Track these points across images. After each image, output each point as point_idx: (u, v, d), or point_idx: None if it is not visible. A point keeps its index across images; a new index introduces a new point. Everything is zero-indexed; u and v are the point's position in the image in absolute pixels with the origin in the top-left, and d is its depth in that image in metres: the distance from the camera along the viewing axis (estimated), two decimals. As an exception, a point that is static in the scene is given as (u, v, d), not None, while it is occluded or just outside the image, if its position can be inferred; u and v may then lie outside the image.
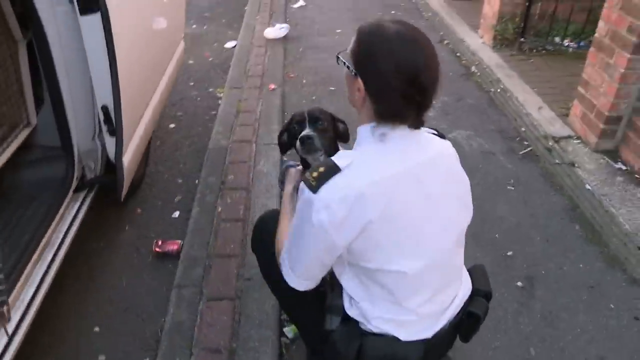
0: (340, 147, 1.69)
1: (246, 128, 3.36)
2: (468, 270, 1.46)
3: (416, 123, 1.18)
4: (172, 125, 3.44)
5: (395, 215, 1.16)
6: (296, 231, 1.24)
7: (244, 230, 2.49)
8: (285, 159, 1.79)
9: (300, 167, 1.68)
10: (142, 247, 2.47)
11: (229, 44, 4.86)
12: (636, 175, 3.01)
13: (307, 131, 1.57)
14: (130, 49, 2.09)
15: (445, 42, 5.17)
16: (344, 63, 1.21)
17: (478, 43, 5.03)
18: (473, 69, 4.58)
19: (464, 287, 1.39)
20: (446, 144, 1.32)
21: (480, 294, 1.40)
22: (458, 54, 4.88)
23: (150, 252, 2.43)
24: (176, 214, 2.68)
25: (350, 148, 1.27)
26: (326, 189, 1.13)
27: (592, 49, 3.28)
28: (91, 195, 2.25)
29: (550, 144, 3.34)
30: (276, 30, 4.96)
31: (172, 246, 2.43)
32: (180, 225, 2.61)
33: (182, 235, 2.52)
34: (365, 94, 1.16)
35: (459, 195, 1.30)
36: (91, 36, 1.83)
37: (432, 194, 1.21)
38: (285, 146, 1.74)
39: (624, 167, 3.10)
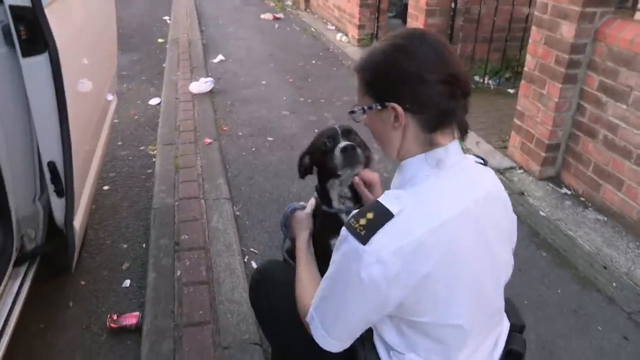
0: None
1: (190, 184, 3.15)
2: None
3: (463, 119, 1.07)
4: (106, 188, 3.14)
5: (456, 264, 1.02)
6: (335, 288, 1.05)
7: (210, 293, 2.25)
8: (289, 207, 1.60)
9: (307, 208, 1.52)
10: (92, 325, 2.15)
11: (153, 101, 4.64)
12: (581, 198, 3.14)
13: (346, 141, 1.42)
14: (77, 96, 1.86)
15: (371, 88, 5.26)
16: (363, 109, 1.08)
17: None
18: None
19: (504, 327, 1.27)
20: (494, 176, 1.19)
21: (515, 329, 1.30)
22: (386, 99, 4.96)
23: (104, 329, 2.12)
24: (127, 282, 2.39)
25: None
26: (378, 239, 0.96)
27: (523, 82, 3.45)
28: (33, 268, 1.93)
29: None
30: (201, 85, 4.84)
31: (130, 320, 2.13)
32: (133, 295, 2.32)
33: (139, 306, 2.24)
34: (405, 114, 1.02)
35: (510, 236, 1.19)
36: (36, 81, 1.59)
37: (489, 237, 1.08)
38: (306, 170, 1.58)
39: (569, 192, 3.23)
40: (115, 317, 2.14)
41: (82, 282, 2.37)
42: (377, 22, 6.63)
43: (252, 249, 2.64)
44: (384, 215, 0.97)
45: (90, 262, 2.50)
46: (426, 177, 1.04)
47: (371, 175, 1.48)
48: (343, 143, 1.41)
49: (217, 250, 2.54)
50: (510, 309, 1.34)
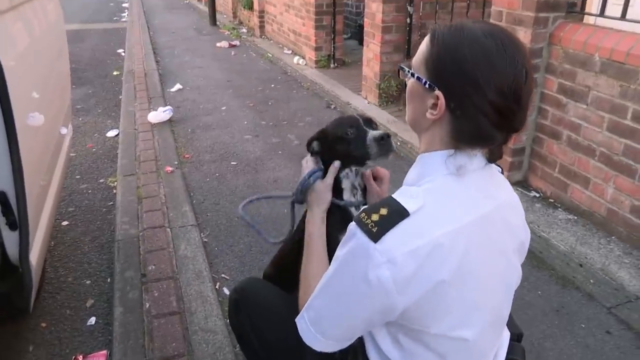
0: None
1: (154, 214, 3.04)
2: None
3: (499, 151, 0.99)
4: (65, 223, 2.99)
5: (472, 272, 0.94)
6: (337, 288, 0.96)
7: (182, 324, 2.14)
8: (307, 164, 1.43)
9: (328, 178, 1.37)
10: (56, 369, 2.00)
11: (111, 133, 4.51)
12: (550, 200, 3.18)
13: (377, 131, 1.34)
14: (27, 126, 1.75)
15: (333, 106, 5.31)
16: (412, 74, 0.98)
17: (364, 104, 5.24)
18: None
19: (505, 337, 1.21)
20: (510, 186, 1.12)
21: (514, 338, 1.24)
22: (348, 117, 4.97)
23: (70, 373, 1.97)
24: (92, 320, 2.25)
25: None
26: (391, 238, 0.87)
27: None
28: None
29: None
30: (159, 114, 4.75)
31: (98, 359, 2.00)
32: (100, 333, 2.18)
33: (106, 344, 2.10)
34: (445, 110, 0.94)
35: (524, 248, 1.13)
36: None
37: (506, 245, 1.03)
38: (315, 153, 1.45)
39: (537, 194, 3.26)
40: (80, 358, 2.01)
41: (43, 324, 2.21)
42: (334, 43, 6.71)
43: (223, 275, 2.54)
44: (399, 213, 0.89)
45: (50, 301, 2.35)
46: (444, 176, 0.96)
47: (382, 170, 1.43)
48: (376, 132, 1.33)
49: (186, 279, 2.44)
50: (509, 318, 1.29)
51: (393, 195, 0.94)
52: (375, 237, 0.88)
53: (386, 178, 1.43)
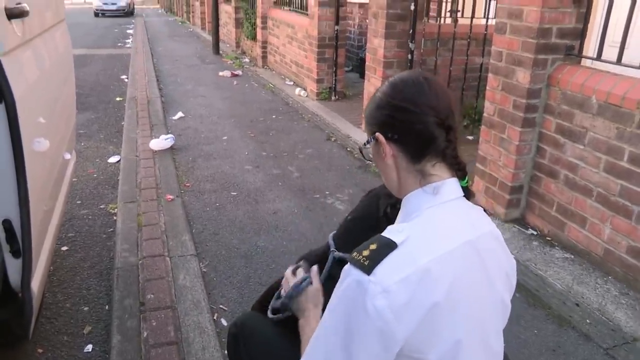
0: None
1: (154, 242, 3.07)
2: None
3: (456, 156, 1.08)
4: (65, 248, 3.02)
5: (460, 300, 0.98)
6: (337, 322, 0.97)
7: (179, 354, 2.15)
8: (295, 272, 1.43)
9: (315, 282, 1.38)
10: (52, 397, 2.01)
11: (113, 159, 4.57)
12: (547, 238, 3.21)
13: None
14: (34, 151, 1.80)
15: (333, 139, 5.38)
16: (364, 143, 1.12)
17: (364, 137, 5.28)
18: (367, 161, 4.73)
19: None
20: (490, 220, 1.17)
21: None
22: (349, 149, 5.08)
23: (65, 401, 1.98)
24: (89, 347, 2.26)
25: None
26: (382, 269, 0.93)
27: (483, 127, 3.57)
28: (-14, 338, 1.80)
29: (463, 219, 3.47)
30: (161, 142, 4.82)
31: (94, 388, 2.01)
32: (97, 362, 2.19)
33: (102, 373, 2.11)
34: (388, 143, 1.06)
35: (511, 280, 1.15)
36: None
37: (492, 275, 1.07)
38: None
39: (535, 232, 3.30)
40: (76, 386, 2.01)
41: (40, 350, 2.22)
42: (335, 75, 6.83)
43: (221, 306, 2.55)
44: (387, 246, 0.96)
45: (48, 327, 2.36)
46: (427, 208, 1.04)
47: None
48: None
49: (185, 309, 2.45)
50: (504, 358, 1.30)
51: (381, 233, 1.00)
52: (368, 269, 0.93)
53: None
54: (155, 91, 7.07)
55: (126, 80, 7.86)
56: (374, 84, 5.20)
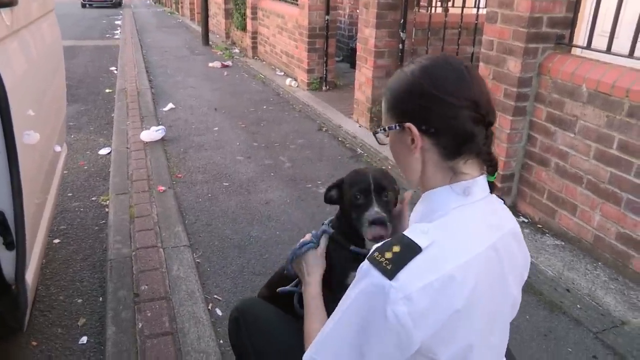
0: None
1: (147, 233, 3.06)
2: None
3: (490, 152, 1.03)
4: (57, 241, 3.00)
5: (478, 304, 0.96)
6: (351, 327, 0.95)
7: (175, 344, 2.16)
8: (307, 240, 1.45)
9: (320, 248, 1.42)
10: (47, 389, 2.01)
11: (103, 151, 4.55)
12: (539, 225, 3.25)
13: (377, 210, 1.33)
14: (25, 144, 1.79)
15: (324, 129, 5.38)
16: (384, 129, 1.06)
17: (355, 127, 5.31)
18: (359, 150, 4.77)
19: None
20: (512, 215, 1.15)
21: None
22: (340, 139, 5.08)
23: (61, 393, 1.98)
24: (83, 339, 2.26)
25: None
26: (405, 275, 0.89)
27: (474, 117, 3.58)
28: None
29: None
30: (152, 133, 4.79)
31: (90, 379, 2.01)
32: (92, 353, 2.18)
33: (98, 364, 2.11)
34: (421, 136, 0.99)
35: (523, 273, 1.14)
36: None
37: (507, 275, 1.04)
38: (333, 202, 1.50)
39: (526, 220, 3.33)
40: (72, 377, 2.01)
41: (34, 342, 2.22)
42: (326, 65, 6.82)
43: (215, 296, 2.56)
44: (411, 249, 0.92)
45: (42, 320, 2.36)
46: (453, 209, 1.00)
47: (399, 207, 1.44)
48: (375, 211, 1.34)
49: (179, 299, 2.46)
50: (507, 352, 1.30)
51: (404, 233, 0.96)
52: (390, 274, 0.89)
53: (403, 215, 1.43)
54: (145, 82, 7.02)
55: (115, 71, 7.79)
56: (365, 73, 5.20)
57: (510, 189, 3.44)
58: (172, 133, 5.06)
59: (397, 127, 1.02)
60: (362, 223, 1.36)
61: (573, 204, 2.99)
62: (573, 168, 2.96)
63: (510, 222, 1.10)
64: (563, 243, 3.03)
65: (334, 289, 1.35)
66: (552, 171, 3.12)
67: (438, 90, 0.98)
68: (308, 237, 1.46)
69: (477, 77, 1.03)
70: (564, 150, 3.01)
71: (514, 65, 3.15)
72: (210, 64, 8.52)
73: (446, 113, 0.97)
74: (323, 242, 1.43)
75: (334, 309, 0.99)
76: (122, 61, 8.45)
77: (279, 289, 1.51)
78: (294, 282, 1.51)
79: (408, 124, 1.00)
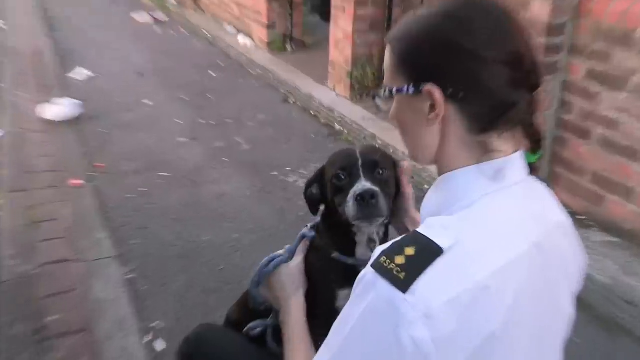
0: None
1: (57, 243, 2.97)
2: None
3: (532, 123, 0.98)
4: None
5: (521, 324, 0.92)
6: (351, 355, 0.91)
7: (99, 395, 2.01)
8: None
9: (296, 259, 1.38)
10: None
11: (-9, 134, 4.35)
12: (580, 217, 3.23)
13: (365, 184, 1.27)
14: None
15: (292, 100, 5.37)
16: (390, 91, 1.01)
17: (332, 96, 5.24)
18: (337, 127, 4.75)
19: None
20: (560, 205, 1.12)
21: None
22: (312, 112, 5.06)
23: None
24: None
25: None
26: (424, 285, 0.84)
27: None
28: None
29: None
30: (59, 109, 4.67)
31: None
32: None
33: None
34: (445, 103, 0.94)
35: (578, 279, 1.12)
36: None
37: (557, 284, 1.01)
38: (316, 203, 1.45)
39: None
40: None
41: None
42: (291, 19, 6.75)
43: (156, 323, 2.49)
44: (429, 252, 0.87)
45: None
46: (482, 197, 0.95)
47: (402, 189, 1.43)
48: (362, 185, 1.28)
49: (105, 331, 2.37)
50: None
51: (419, 230, 0.91)
52: (404, 285, 0.84)
53: (406, 196, 1.43)
54: (46, 41, 6.89)
55: (3, 26, 7.57)
56: (342, 28, 5.10)
57: (538, 171, 3.37)
58: (89, 109, 4.94)
59: (411, 90, 0.96)
60: (347, 205, 1.29)
61: (626, 187, 2.94)
62: (625, 139, 2.91)
63: (557, 213, 1.07)
64: (615, 239, 2.99)
65: (318, 316, 1.30)
66: (595, 144, 3.08)
67: (468, 40, 0.93)
68: (282, 251, 1.44)
69: (519, 24, 0.97)
70: (612, 117, 2.96)
71: (540, 8, 3.08)
72: (138, 17, 8.46)
73: (480, 71, 0.93)
74: (300, 250, 1.41)
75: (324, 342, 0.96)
76: (12, 12, 8.26)
77: (249, 331, 1.48)
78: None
79: (428, 86, 0.94)
